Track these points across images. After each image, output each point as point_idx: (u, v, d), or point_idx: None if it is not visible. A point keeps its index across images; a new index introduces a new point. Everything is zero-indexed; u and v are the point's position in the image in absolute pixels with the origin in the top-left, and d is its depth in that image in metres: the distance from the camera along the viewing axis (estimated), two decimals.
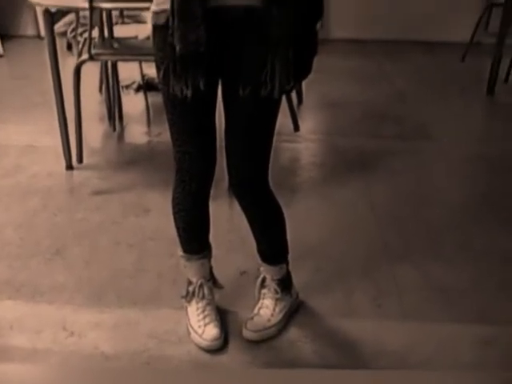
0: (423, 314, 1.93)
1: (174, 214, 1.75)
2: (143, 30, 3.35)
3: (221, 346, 1.78)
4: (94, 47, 2.78)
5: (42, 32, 2.91)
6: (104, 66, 3.35)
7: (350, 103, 3.81)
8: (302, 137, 3.29)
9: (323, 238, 2.34)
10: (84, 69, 2.75)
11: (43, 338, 1.81)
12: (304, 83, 1.88)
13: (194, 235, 1.81)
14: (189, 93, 1.46)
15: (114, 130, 3.38)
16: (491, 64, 3.88)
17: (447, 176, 2.89)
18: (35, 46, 4.85)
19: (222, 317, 1.86)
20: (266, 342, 1.80)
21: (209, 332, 1.78)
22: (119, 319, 1.89)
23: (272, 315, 1.84)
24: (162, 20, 1.44)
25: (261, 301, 1.88)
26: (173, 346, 1.79)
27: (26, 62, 4.65)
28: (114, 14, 3.62)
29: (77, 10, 3.44)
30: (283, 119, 2.82)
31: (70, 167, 2.88)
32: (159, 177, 2.75)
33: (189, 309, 1.86)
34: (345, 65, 4.59)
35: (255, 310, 1.86)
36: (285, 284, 1.87)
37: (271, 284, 1.86)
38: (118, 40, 3.15)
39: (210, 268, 1.86)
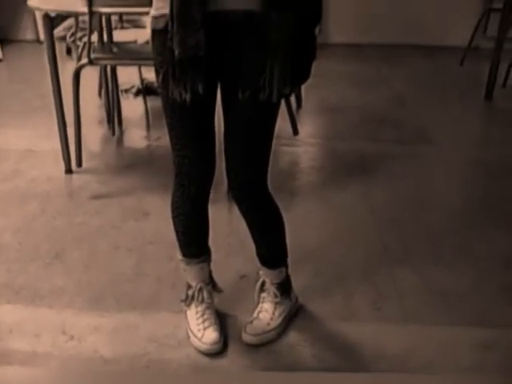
0: (423, 318, 1.93)
1: (174, 217, 1.75)
2: (142, 35, 3.35)
3: (220, 350, 1.77)
4: (94, 51, 2.79)
5: (42, 36, 2.92)
6: (103, 70, 3.36)
7: (348, 107, 3.82)
8: (301, 141, 3.29)
9: (323, 241, 2.34)
10: (83, 73, 2.75)
11: (43, 342, 1.81)
12: (303, 87, 1.89)
13: (194, 239, 1.81)
14: (188, 97, 1.46)
15: (114, 134, 3.38)
16: (489, 68, 3.89)
17: (446, 180, 2.89)
18: (35, 50, 4.86)
19: (222, 320, 1.86)
20: (265, 345, 1.80)
21: (208, 336, 1.78)
22: (118, 323, 1.89)
23: (271, 319, 1.84)
24: (161, 24, 1.44)
25: (260, 304, 1.88)
26: (172, 349, 1.79)
27: (26, 66, 4.65)
28: (114, 18, 3.63)
29: (76, 15, 3.45)
30: (282, 123, 2.82)
31: (69, 171, 2.88)
32: (158, 181, 2.75)
33: (188, 312, 1.85)
34: (344, 69, 4.60)
35: (254, 314, 1.86)
36: (284, 288, 1.87)
37: (271, 288, 1.86)
38: (118, 44, 3.15)
39: (210, 272, 1.86)
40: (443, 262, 2.21)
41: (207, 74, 1.46)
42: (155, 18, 1.47)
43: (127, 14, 3.59)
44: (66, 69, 3.54)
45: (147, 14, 1.54)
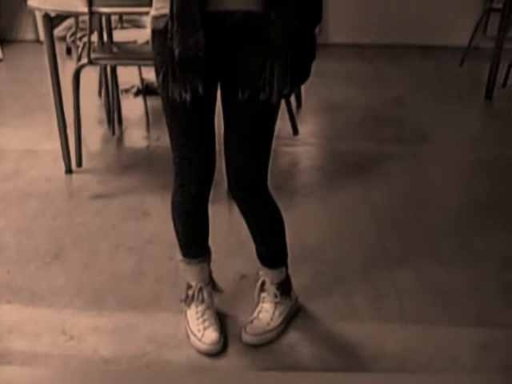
0: (422, 317, 1.94)
1: (174, 217, 1.75)
2: (142, 35, 3.35)
3: (220, 350, 1.77)
4: (94, 51, 2.80)
5: (42, 36, 2.92)
6: (103, 70, 3.36)
7: (348, 107, 3.82)
8: (301, 141, 3.29)
9: (322, 241, 2.34)
10: (83, 73, 2.76)
11: (43, 342, 1.81)
12: (303, 87, 1.89)
13: (194, 239, 1.81)
14: (188, 97, 1.47)
15: (114, 134, 3.38)
16: (489, 69, 3.89)
17: (445, 180, 2.89)
18: (35, 50, 4.86)
19: (222, 320, 1.87)
20: (265, 345, 1.80)
21: (208, 336, 1.78)
22: (118, 323, 1.89)
23: (271, 319, 1.84)
24: (161, 25, 1.44)
25: (260, 304, 1.88)
26: (172, 349, 1.79)
27: (26, 66, 4.66)
28: (114, 18, 3.63)
29: (76, 15, 3.45)
30: (282, 123, 2.82)
31: (69, 171, 2.89)
32: (158, 181, 2.76)
33: (188, 312, 1.86)
34: (343, 69, 4.60)
35: (254, 314, 1.86)
36: (284, 288, 1.87)
37: (271, 288, 1.86)
38: (118, 44, 3.15)
39: (210, 272, 1.86)
40: (442, 262, 2.22)
41: (207, 74, 1.47)
42: (155, 18, 1.47)
43: (127, 14, 3.60)
44: (66, 69, 3.54)
45: (147, 14, 1.54)
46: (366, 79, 4.41)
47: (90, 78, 3.64)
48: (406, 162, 3.05)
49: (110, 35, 3.20)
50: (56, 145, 2.85)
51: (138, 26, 3.99)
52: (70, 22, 4.34)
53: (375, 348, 1.79)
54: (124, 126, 3.50)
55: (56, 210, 2.57)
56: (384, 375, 1.64)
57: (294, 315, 1.92)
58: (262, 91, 1.47)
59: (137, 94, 3.94)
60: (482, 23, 4.78)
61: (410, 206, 2.63)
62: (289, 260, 1.87)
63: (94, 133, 3.38)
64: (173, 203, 1.72)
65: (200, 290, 1.83)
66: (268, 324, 1.83)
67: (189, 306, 1.85)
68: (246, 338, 1.81)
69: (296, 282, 1.94)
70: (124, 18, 3.90)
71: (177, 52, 1.41)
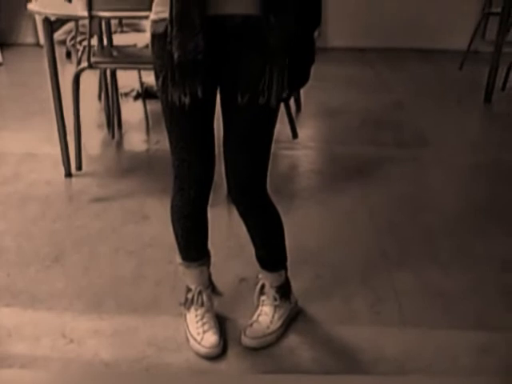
0: (422, 321, 1.94)
1: (173, 221, 1.75)
2: (142, 39, 3.36)
3: (219, 353, 1.77)
4: (93, 55, 2.80)
5: (42, 40, 2.92)
6: (103, 73, 3.37)
7: (348, 111, 3.83)
8: (300, 144, 3.30)
9: (322, 244, 2.34)
10: (83, 77, 2.76)
11: (42, 346, 1.81)
12: (302, 91, 1.90)
13: (193, 242, 1.81)
14: (187, 100, 1.47)
15: (113, 137, 3.39)
16: (488, 72, 3.90)
17: (445, 183, 2.90)
18: (34, 54, 4.87)
19: (221, 324, 1.87)
20: (264, 349, 1.80)
21: (208, 339, 1.78)
22: (118, 326, 1.89)
23: (271, 322, 1.84)
24: (160, 29, 1.44)
25: (260, 308, 1.88)
26: (171, 353, 1.79)
27: (26, 70, 4.67)
28: (113, 22, 3.64)
29: (76, 19, 3.46)
30: (282, 127, 2.82)
31: (68, 175, 2.89)
32: (158, 184, 2.76)
33: (188, 316, 1.86)
34: (343, 73, 4.61)
35: (254, 317, 1.86)
36: (284, 291, 1.88)
37: (270, 291, 1.86)
38: (117, 48, 3.16)
39: (209, 275, 1.86)
40: (442, 265, 2.22)
41: (206, 77, 1.47)
42: (155, 22, 1.47)
43: (127, 18, 3.60)
44: (66, 72, 3.55)
45: (147, 18, 1.55)
46: (365, 83, 4.42)
47: (90, 81, 3.65)
48: (406, 166, 3.06)
49: (109, 39, 3.20)
50: (56, 148, 2.86)
51: (137, 29, 4.00)
52: (69, 25, 4.36)
53: (374, 351, 1.79)
54: (124, 130, 3.50)
55: (56, 214, 2.57)
56: (383, 378, 1.65)
57: (293, 318, 1.92)
58: (262, 95, 1.47)
59: (136, 97, 3.95)
60: (480, 27, 4.80)
61: (409, 210, 2.63)
62: (288, 263, 1.87)
63: (93, 136, 3.38)
64: (172, 207, 1.73)
65: (199, 293, 1.83)
66: (267, 327, 1.83)
67: (188, 309, 1.86)
68: (246, 341, 1.81)
69: (295, 286, 1.94)
70: (124, 21, 3.91)
71: (176, 56, 1.41)
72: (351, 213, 2.60)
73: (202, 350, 1.77)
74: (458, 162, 3.12)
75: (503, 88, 4.16)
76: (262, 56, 1.44)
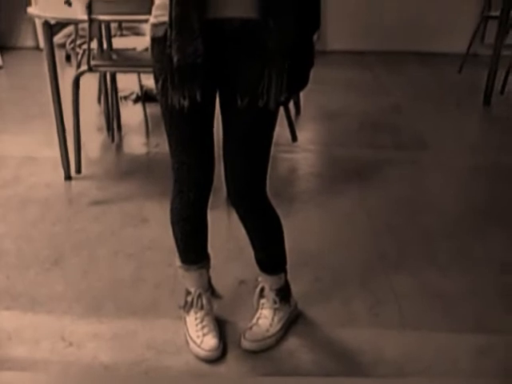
0: (421, 323, 1.94)
1: (173, 223, 1.75)
2: (141, 42, 3.37)
3: (219, 357, 1.77)
4: (93, 59, 2.81)
5: (41, 43, 2.93)
6: (103, 77, 3.37)
7: (347, 114, 3.84)
8: (299, 147, 3.30)
9: (321, 247, 2.34)
10: (83, 80, 2.77)
11: (42, 349, 1.81)
12: (302, 94, 1.90)
13: (193, 245, 1.81)
14: (186, 104, 1.47)
15: (113, 140, 3.39)
16: (487, 75, 3.91)
17: (444, 186, 2.90)
18: (34, 57, 4.88)
19: (221, 327, 1.87)
20: (264, 352, 1.80)
21: (207, 342, 1.78)
22: (118, 329, 1.89)
23: (271, 325, 1.84)
24: (160, 32, 1.45)
25: (259, 311, 1.88)
26: (171, 356, 1.79)
27: (25, 73, 4.67)
28: (113, 26, 3.65)
29: (76, 22, 3.47)
30: (281, 130, 2.83)
31: (68, 178, 2.89)
32: (157, 187, 2.76)
33: (187, 319, 1.86)
34: (342, 76, 4.62)
35: (254, 320, 1.86)
36: (283, 294, 1.88)
37: (270, 294, 1.86)
38: (117, 51, 3.17)
39: (209, 278, 1.86)
40: (441, 268, 2.22)
41: (206, 81, 1.47)
42: (154, 25, 1.48)
43: (126, 21, 3.61)
44: (66, 76, 3.56)
45: (146, 21, 1.55)
46: (364, 86, 4.43)
47: (90, 84, 3.65)
48: (404, 169, 3.06)
49: (109, 42, 3.21)
50: (55, 151, 2.86)
51: (137, 33, 4.01)
52: (69, 29, 4.37)
53: (374, 354, 1.79)
54: (123, 133, 3.51)
55: (55, 217, 2.57)
56: (383, 380, 1.65)
57: (293, 321, 1.92)
58: (261, 98, 1.48)
59: (136, 100, 3.96)
60: (479, 30, 4.81)
61: (407, 212, 2.63)
62: (288, 266, 1.87)
63: (93, 139, 3.39)
64: (172, 209, 1.73)
65: (199, 296, 1.83)
66: (267, 330, 1.83)
67: (188, 312, 1.86)
68: (245, 344, 1.81)
69: (295, 288, 1.94)
70: (123, 25, 3.92)
71: (175, 59, 1.42)
72: (350, 215, 2.60)
73: (202, 353, 1.77)
74: (456, 164, 3.12)
75: (502, 91, 4.17)
76: (261, 59, 1.44)
